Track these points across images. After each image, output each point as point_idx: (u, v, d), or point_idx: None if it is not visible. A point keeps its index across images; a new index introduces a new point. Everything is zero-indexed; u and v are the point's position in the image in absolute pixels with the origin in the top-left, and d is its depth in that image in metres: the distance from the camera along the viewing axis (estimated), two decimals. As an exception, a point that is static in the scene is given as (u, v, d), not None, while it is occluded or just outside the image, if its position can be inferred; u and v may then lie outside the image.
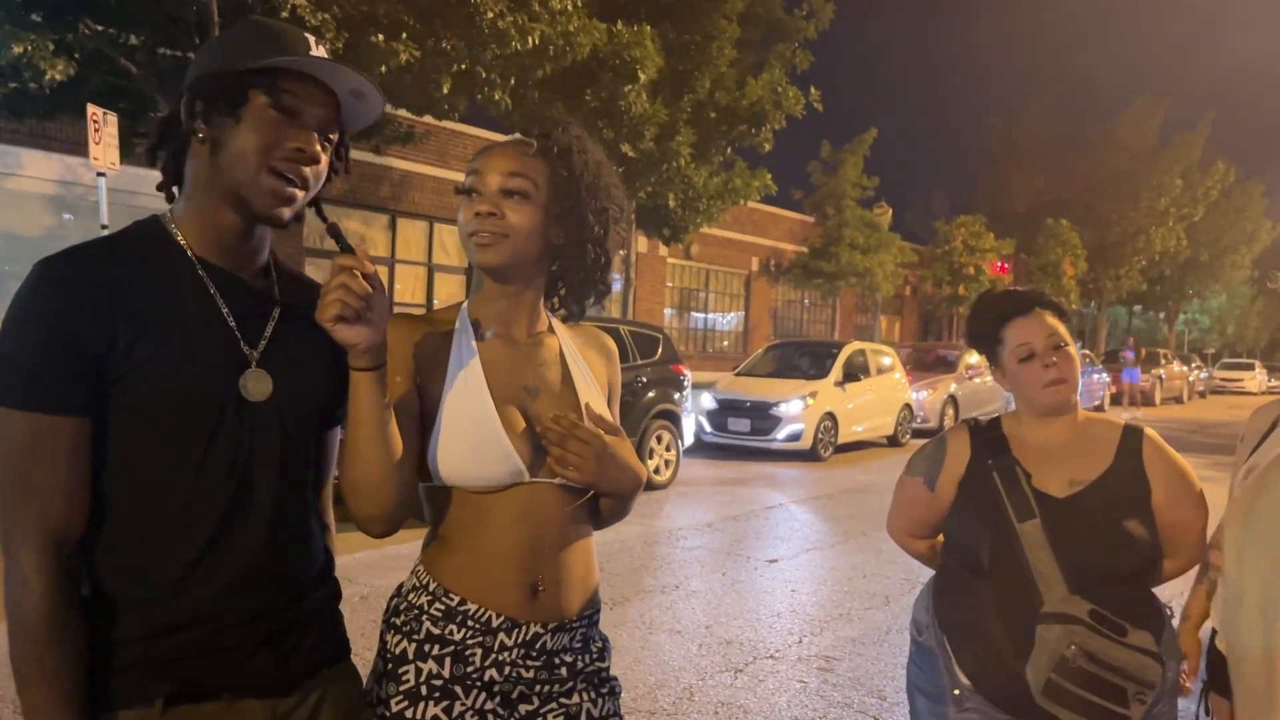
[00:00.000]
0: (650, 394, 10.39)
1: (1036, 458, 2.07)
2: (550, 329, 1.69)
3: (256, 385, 1.35)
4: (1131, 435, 2.08)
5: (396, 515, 1.45)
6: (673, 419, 10.68)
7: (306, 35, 1.39)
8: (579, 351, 1.70)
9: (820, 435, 13.26)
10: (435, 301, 18.80)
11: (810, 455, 13.17)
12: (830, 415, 13.47)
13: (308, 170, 1.37)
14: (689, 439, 11.21)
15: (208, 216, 1.37)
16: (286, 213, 1.38)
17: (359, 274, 1.33)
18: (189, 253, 1.36)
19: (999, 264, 30.61)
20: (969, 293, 30.01)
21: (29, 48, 7.94)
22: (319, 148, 1.38)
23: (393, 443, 1.42)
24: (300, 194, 1.37)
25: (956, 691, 2.06)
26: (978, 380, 17.71)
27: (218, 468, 1.32)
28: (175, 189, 1.42)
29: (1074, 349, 2.08)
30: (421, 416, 1.52)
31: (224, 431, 1.32)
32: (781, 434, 13.05)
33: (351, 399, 1.39)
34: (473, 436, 1.50)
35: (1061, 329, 2.07)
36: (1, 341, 1.25)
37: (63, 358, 1.23)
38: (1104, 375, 24.08)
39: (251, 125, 1.33)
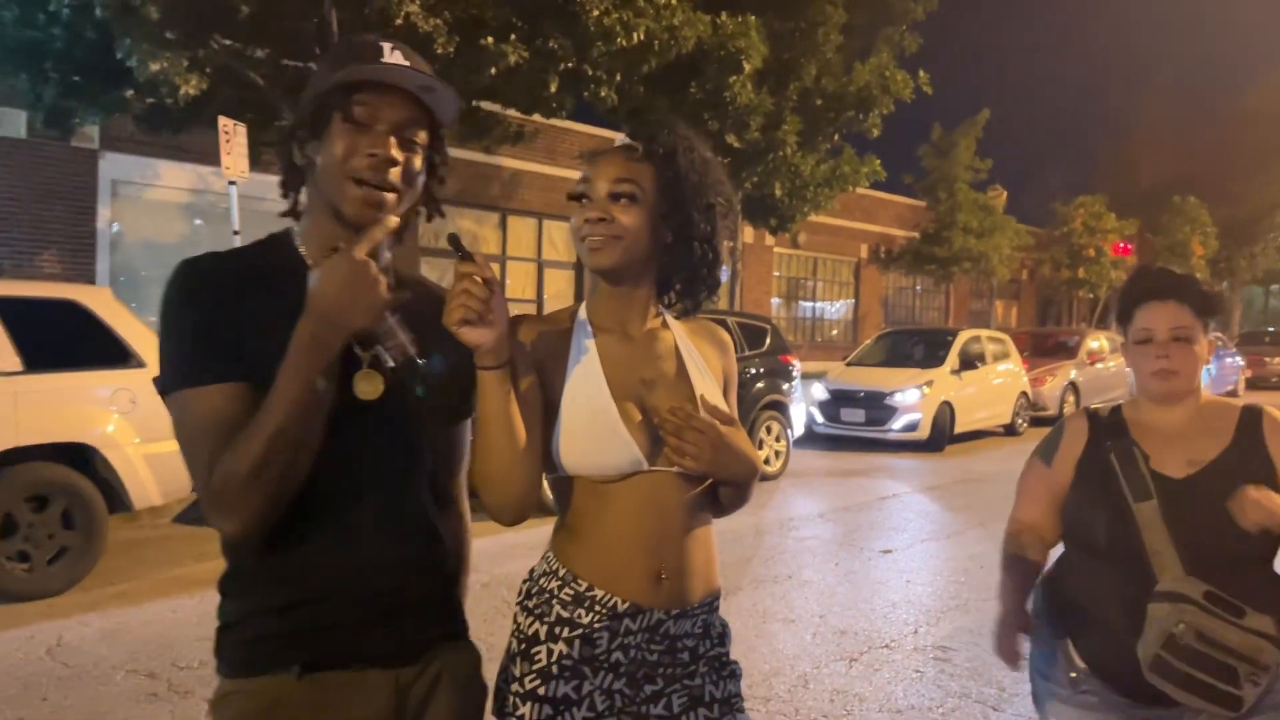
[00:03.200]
0: (759, 385, 10.40)
1: (1155, 440, 2.07)
2: (664, 324, 1.76)
3: (368, 385, 1.45)
4: (1250, 414, 2.07)
5: (525, 504, 1.55)
6: (782, 409, 10.67)
7: (380, 44, 1.48)
8: (693, 345, 1.76)
9: (938, 424, 13.01)
10: (545, 296, 19.11)
11: (928, 445, 12.92)
12: (947, 404, 13.21)
13: (390, 173, 1.45)
14: (799, 429, 11.17)
15: (317, 230, 1.50)
16: (380, 217, 1.44)
17: (479, 279, 1.41)
18: (307, 262, 1.48)
19: (1121, 244, 29.48)
20: (1089, 275, 29.00)
21: (165, 65, 8.39)
22: (394, 150, 1.46)
23: (518, 436, 1.51)
24: (390, 196, 1.46)
25: (1073, 674, 2.07)
26: (1099, 366, 17.14)
27: (332, 463, 1.41)
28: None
29: (1202, 345, 2.05)
30: (544, 411, 1.60)
31: (332, 428, 1.40)
32: (898, 424, 12.83)
33: (479, 396, 1.48)
34: (593, 428, 1.58)
35: (1190, 322, 2.03)
36: (168, 333, 1.40)
37: (209, 336, 1.38)
38: (1238, 359, 22.99)
39: (330, 142, 1.44)
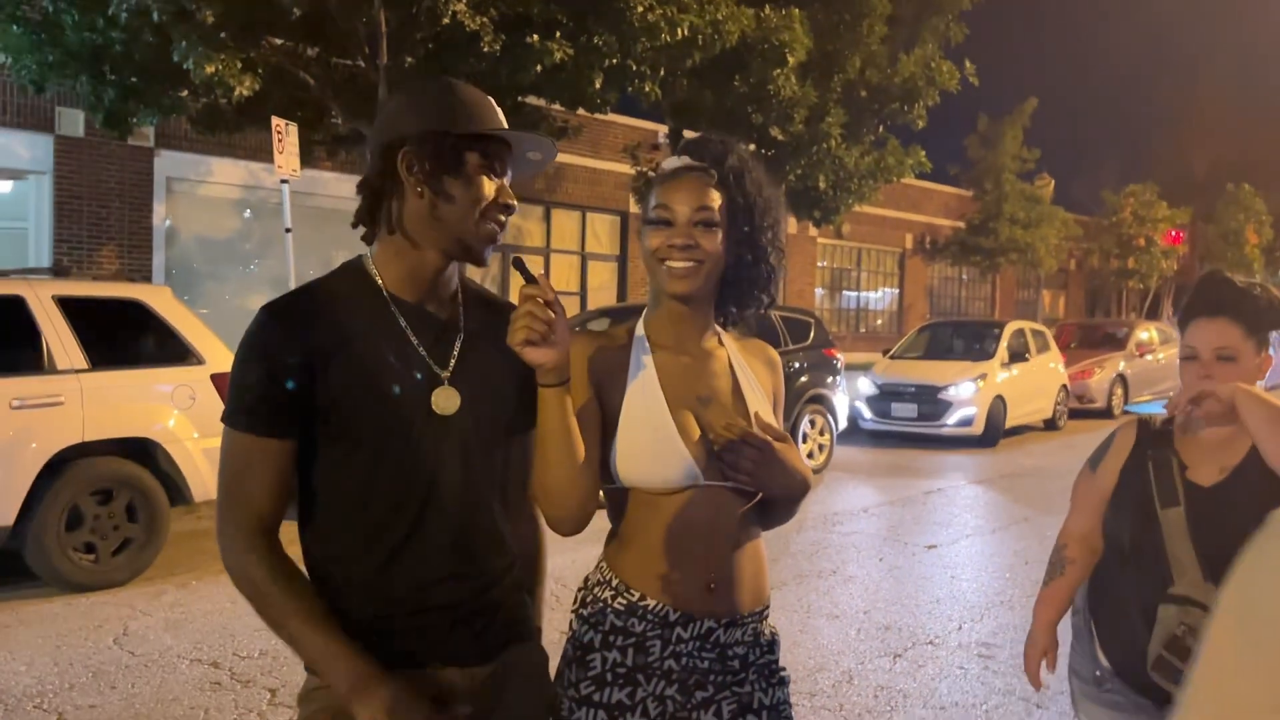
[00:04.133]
0: (803, 379, 10.42)
1: (1198, 450, 2.09)
2: (719, 342, 1.82)
3: (446, 401, 1.56)
4: None
5: (583, 517, 1.62)
6: (825, 403, 10.69)
7: (493, 101, 1.63)
8: (746, 362, 1.83)
9: (992, 419, 12.81)
10: (588, 288, 19.22)
11: (982, 441, 12.72)
12: (1000, 398, 13.02)
13: (507, 218, 1.60)
14: (842, 423, 11.17)
15: (408, 257, 1.58)
16: (489, 253, 1.60)
17: (542, 301, 1.48)
18: (384, 291, 1.58)
19: (1173, 233, 29.00)
20: (1139, 265, 28.57)
21: (220, 67, 8.58)
22: (516, 201, 1.61)
23: (577, 450, 1.58)
24: (501, 237, 1.61)
25: (1098, 673, 2.15)
26: (1149, 358, 16.92)
27: (410, 474, 1.52)
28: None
29: (1250, 364, 2.04)
30: (602, 424, 1.68)
31: (413, 442, 1.52)
32: (952, 419, 12.64)
33: (539, 412, 1.56)
34: (650, 441, 1.65)
35: (1236, 341, 2.03)
36: (232, 374, 1.54)
37: (273, 392, 1.48)
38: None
39: (471, 183, 1.55)
